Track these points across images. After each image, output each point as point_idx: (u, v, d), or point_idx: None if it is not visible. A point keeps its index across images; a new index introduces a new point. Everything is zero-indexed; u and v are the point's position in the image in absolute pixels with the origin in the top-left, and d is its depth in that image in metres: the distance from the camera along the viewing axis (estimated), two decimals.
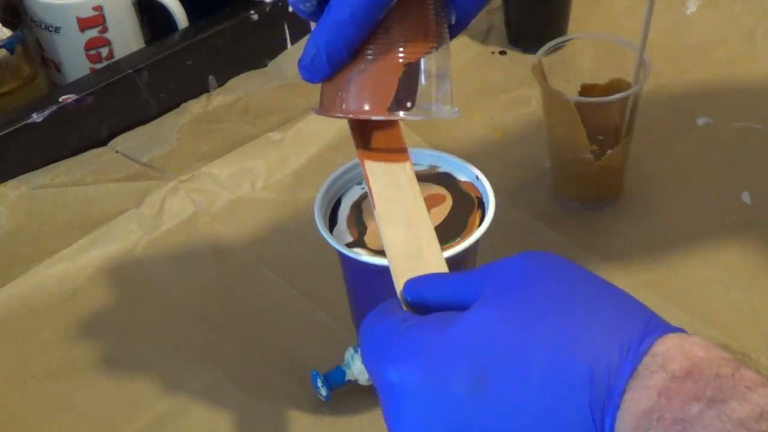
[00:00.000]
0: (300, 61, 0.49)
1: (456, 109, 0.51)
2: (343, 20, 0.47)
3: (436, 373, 0.38)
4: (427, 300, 0.43)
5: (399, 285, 0.45)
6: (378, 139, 0.51)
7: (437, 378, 0.38)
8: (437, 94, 0.50)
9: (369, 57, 0.48)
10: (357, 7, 0.47)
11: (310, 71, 0.49)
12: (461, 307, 0.40)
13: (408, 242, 0.47)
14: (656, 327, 0.38)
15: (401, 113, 0.49)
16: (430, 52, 0.49)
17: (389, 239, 0.47)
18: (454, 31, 0.52)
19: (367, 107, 0.49)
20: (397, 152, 0.51)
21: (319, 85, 0.51)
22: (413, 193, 0.49)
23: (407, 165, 0.51)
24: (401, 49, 0.48)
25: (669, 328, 0.38)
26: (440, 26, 0.50)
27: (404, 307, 0.44)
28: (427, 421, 0.38)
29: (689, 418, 0.35)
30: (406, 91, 0.49)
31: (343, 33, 0.47)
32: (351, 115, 0.49)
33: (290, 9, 0.91)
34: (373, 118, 0.49)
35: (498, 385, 0.37)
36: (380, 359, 0.40)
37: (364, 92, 0.49)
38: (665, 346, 0.37)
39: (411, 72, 0.49)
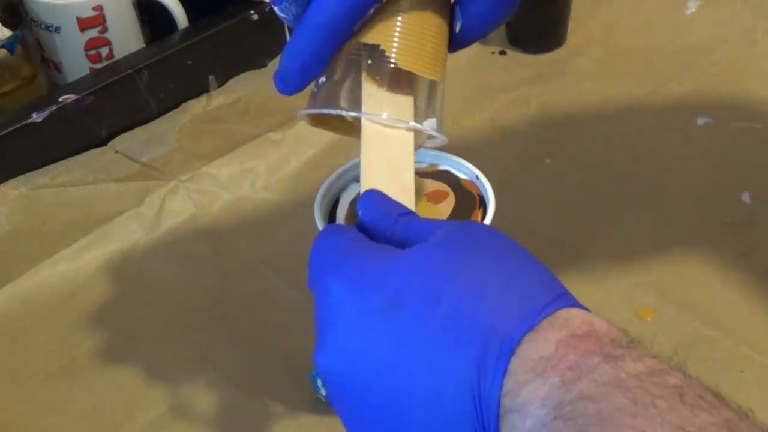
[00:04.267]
0: (276, 72, 0.49)
1: (443, 137, 0.51)
2: (319, 27, 0.47)
3: (362, 290, 0.42)
4: (376, 224, 0.46)
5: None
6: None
7: (361, 294, 0.42)
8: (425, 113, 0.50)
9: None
10: (332, 16, 0.46)
11: (283, 81, 0.49)
12: (403, 244, 0.44)
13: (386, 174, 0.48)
14: (565, 300, 0.41)
15: (384, 115, 0.49)
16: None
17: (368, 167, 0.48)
18: (457, 44, 0.51)
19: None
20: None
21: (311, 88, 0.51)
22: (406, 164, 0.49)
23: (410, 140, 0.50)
24: (393, 57, 0.48)
25: (578, 305, 0.41)
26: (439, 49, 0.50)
27: (353, 222, 0.47)
28: (346, 329, 0.42)
29: (586, 367, 0.37)
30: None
31: (318, 41, 0.47)
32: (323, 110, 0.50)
33: None
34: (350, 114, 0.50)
35: (407, 313, 0.40)
36: (324, 271, 0.43)
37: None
38: (569, 313, 0.40)
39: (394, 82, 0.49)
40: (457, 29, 0.50)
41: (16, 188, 0.78)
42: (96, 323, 0.70)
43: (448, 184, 0.59)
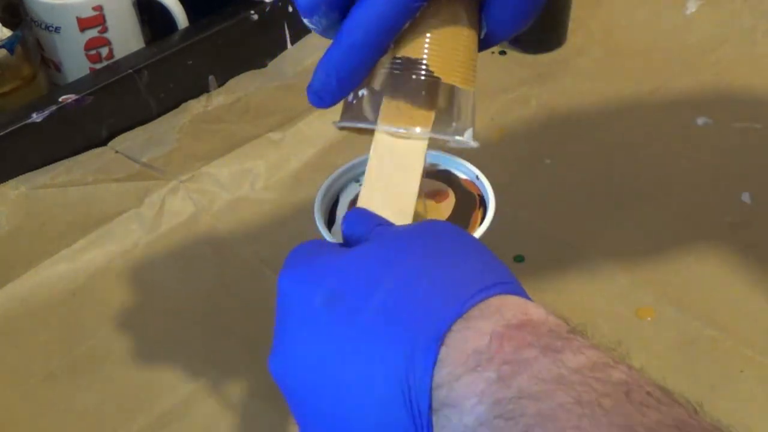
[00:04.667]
0: (309, 86, 0.49)
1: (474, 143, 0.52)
2: (355, 45, 0.47)
3: (305, 286, 0.43)
4: (356, 234, 0.46)
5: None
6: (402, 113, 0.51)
7: (304, 290, 0.43)
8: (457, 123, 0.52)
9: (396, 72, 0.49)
10: (368, 32, 0.47)
11: (319, 96, 0.49)
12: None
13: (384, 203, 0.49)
14: (503, 288, 0.40)
15: (417, 129, 0.50)
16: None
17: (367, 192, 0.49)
18: (481, 47, 0.52)
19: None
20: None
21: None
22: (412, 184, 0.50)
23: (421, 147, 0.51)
24: (424, 68, 0.50)
25: (520, 293, 0.40)
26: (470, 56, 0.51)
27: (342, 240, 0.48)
28: (291, 328, 0.42)
29: (522, 360, 0.36)
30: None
31: (354, 58, 0.47)
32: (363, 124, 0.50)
33: (290, 9, 0.91)
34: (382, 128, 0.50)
35: (344, 307, 0.41)
36: (281, 272, 0.44)
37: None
38: (503, 301, 0.39)
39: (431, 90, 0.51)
40: (482, 35, 0.52)
41: (16, 188, 0.78)
42: (96, 323, 0.70)
43: (448, 184, 0.59)
